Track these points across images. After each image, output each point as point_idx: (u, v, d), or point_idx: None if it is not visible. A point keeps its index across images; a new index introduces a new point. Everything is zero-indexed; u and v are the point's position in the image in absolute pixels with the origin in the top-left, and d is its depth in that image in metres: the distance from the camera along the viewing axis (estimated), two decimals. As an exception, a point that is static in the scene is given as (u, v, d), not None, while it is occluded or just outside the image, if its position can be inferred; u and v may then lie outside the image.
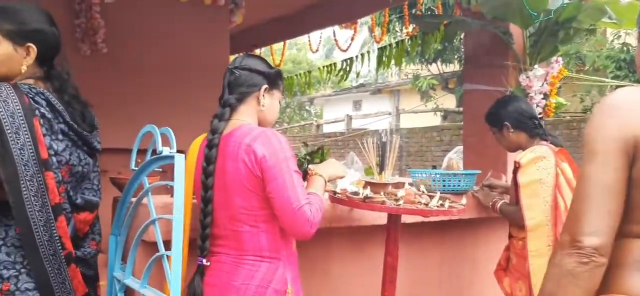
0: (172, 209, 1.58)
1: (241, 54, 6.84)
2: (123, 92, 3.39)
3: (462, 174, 2.70)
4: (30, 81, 1.65)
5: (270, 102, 1.79)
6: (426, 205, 2.00)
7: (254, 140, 1.62)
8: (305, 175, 2.09)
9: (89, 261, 1.72)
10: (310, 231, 1.63)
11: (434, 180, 2.65)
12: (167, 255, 1.63)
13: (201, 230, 1.69)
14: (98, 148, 1.78)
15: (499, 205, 2.60)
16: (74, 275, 1.63)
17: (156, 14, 3.59)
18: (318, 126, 17.66)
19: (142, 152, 1.84)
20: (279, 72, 1.85)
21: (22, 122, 1.52)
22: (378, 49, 4.89)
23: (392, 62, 4.89)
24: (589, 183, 1.15)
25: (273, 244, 1.65)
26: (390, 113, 14.60)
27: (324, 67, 5.94)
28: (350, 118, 15.16)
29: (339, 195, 2.08)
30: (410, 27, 4.72)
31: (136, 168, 1.84)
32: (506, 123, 2.56)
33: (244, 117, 1.74)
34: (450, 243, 3.08)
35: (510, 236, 2.63)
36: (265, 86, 1.76)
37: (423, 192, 2.16)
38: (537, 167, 2.35)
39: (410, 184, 2.26)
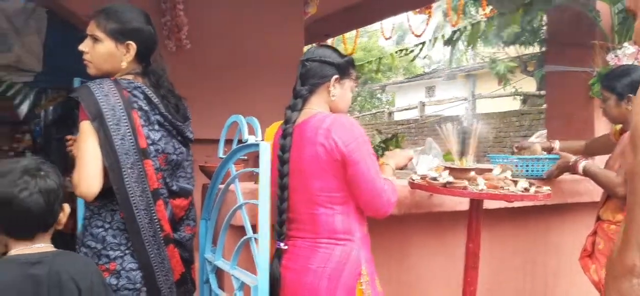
0: (256, 195, 1.66)
1: (314, 44, 6.94)
2: (205, 86, 3.54)
3: (546, 158, 2.59)
4: (130, 76, 1.78)
5: (341, 91, 1.84)
6: (510, 190, 1.95)
7: (332, 125, 1.68)
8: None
9: (185, 244, 1.84)
10: (388, 210, 1.72)
11: (516, 166, 2.57)
12: (254, 238, 1.71)
13: (278, 215, 1.76)
14: (191, 138, 1.89)
15: (582, 165, 2.36)
16: (172, 255, 1.75)
17: (234, 8, 3.73)
18: (390, 114, 17.50)
19: (225, 141, 1.94)
20: (350, 61, 1.89)
21: (123, 114, 1.65)
22: (452, 31, 4.76)
23: (466, 44, 4.76)
24: None
25: (347, 226, 1.70)
26: (465, 99, 14.19)
27: (395, 52, 5.88)
28: (423, 105, 14.89)
29: (419, 181, 2.09)
30: (488, 8, 4.57)
31: (223, 156, 1.94)
32: (630, 95, 2.32)
33: (316, 107, 1.79)
34: (534, 230, 2.99)
35: (599, 219, 2.48)
36: (336, 76, 1.81)
37: (507, 177, 2.11)
38: None
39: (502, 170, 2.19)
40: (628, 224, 0.95)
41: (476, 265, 2.16)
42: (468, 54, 17.57)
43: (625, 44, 2.80)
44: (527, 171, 2.53)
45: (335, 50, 1.93)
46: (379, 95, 21.79)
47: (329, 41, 6.50)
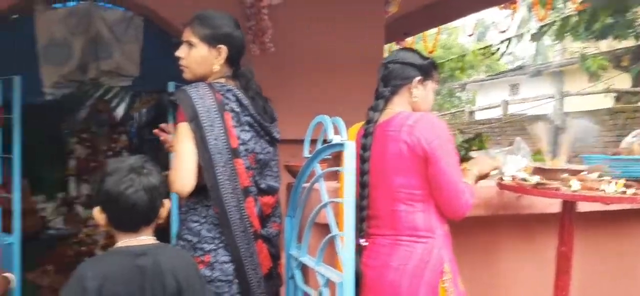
0: (339, 193, 1.69)
1: (393, 42, 6.89)
2: (287, 87, 3.63)
3: None
4: (222, 80, 1.87)
5: (424, 92, 1.85)
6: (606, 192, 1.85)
7: (416, 122, 1.69)
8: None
9: (272, 240, 1.91)
10: (465, 212, 1.71)
11: (612, 166, 2.41)
12: (339, 236, 1.74)
13: (359, 212, 1.78)
14: (278, 138, 1.96)
15: None
16: (261, 250, 1.83)
17: (316, 10, 3.79)
18: (471, 113, 16.97)
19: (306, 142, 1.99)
20: (432, 63, 1.90)
21: (216, 115, 1.75)
22: (539, 26, 4.56)
23: (553, 39, 4.52)
24: None
25: (428, 224, 1.70)
26: (552, 97, 13.48)
27: (478, 50, 5.71)
28: (506, 103, 14.30)
29: (508, 182, 2.03)
30: (579, 1, 4.32)
31: (309, 156, 1.98)
32: None
33: (398, 107, 1.82)
34: (631, 234, 2.80)
35: None
36: (419, 78, 1.83)
37: (603, 178, 2.00)
38: None
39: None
40: None
41: (568, 270, 2.07)
42: (555, 49, 16.67)
43: None
44: (624, 173, 2.37)
45: (417, 52, 1.95)
46: (458, 94, 21.23)
47: (408, 40, 6.43)
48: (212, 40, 1.84)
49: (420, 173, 1.69)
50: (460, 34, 19.37)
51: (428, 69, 1.87)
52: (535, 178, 1.92)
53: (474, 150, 3.35)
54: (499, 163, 2.09)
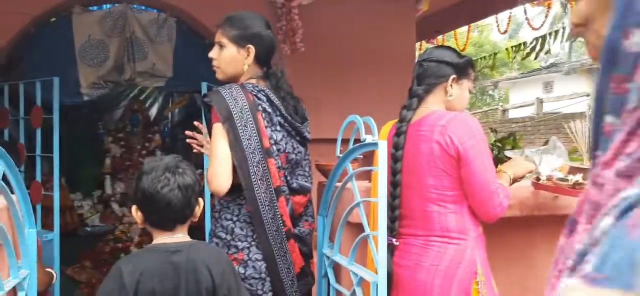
0: (371, 193, 1.68)
1: (424, 41, 6.82)
2: (318, 87, 3.64)
3: None
4: (253, 80, 1.89)
5: (459, 91, 1.82)
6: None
7: (449, 122, 1.66)
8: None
9: (305, 239, 1.92)
10: (498, 214, 1.67)
11: None
12: (372, 235, 1.74)
13: (390, 212, 1.77)
14: (308, 137, 1.97)
15: None
16: (293, 249, 1.84)
17: (346, 9, 3.78)
18: (504, 111, 16.69)
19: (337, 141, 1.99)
20: (469, 62, 1.87)
21: (249, 116, 1.76)
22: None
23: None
24: None
25: (461, 225, 1.67)
26: (588, 95, 13.14)
27: (512, 47, 5.61)
28: (540, 101, 14.01)
29: (544, 182, 1.99)
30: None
31: (340, 155, 1.99)
32: None
33: (432, 106, 1.79)
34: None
35: None
36: (454, 76, 1.79)
37: None
38: None
39: None
40: None
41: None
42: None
43: None
44: None
45: (453, 50, 1.92)
46: (490, 92, 20.89)
47: (439, 38, 6.36)
48: (240, 40, 1.86)
49: (453, 174, 1.67)
50: (492, 31, 19.06)
51: (464, 67, 1.84)
52: (574, 178, 1.87)
53: (508, 150, 3.30)
54: (534, 166, 2.04)
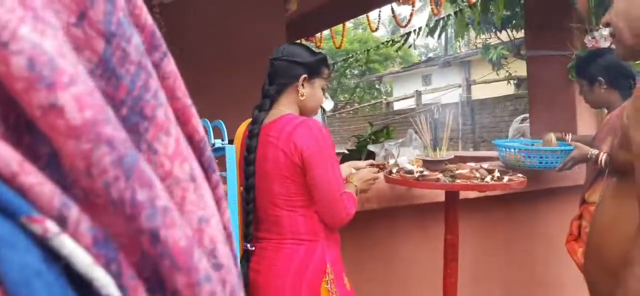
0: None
1: (303, 39, 6.91)
2: (187, 88, 3.53)
3: (561, 150, 2.34)
4: None
5: (311, 91, 1.78)
6: (482, 179, 1.94)
7: (295, 129, 1.65)
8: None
9: None
10: (344, 219, 1.68)
11: (527, 156, 2.35)
12: (226, 243, 1.70)
13: (244, 216, 1.74)
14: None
15: (603, 157, 2.11)
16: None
17: (212, 8, 3.69)
18: (388, 104, 17.47)
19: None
20: (321, 60, 1.83)
21: None
22: (435, 20, 4.76)
23: (450, 32, 4.73)
24: None
25: (311, 227, 1.68)
26: (459, 86, 14.16)
27: (382, 43, 5.87)
28: (419, 93, 14.87)
29: (395, 175, 2.07)
30: (470, -4, 4.55)
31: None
32: (600, 78, 2.32)
33: (284, 107, 1.75)
34: (520, 217, 2.98)
35: (584, 202, 2.46)
36: (304, 76, 1.76)
37: (481, 166, 2.10)
38: None
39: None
40: None
41: (455, 257, 2.15)
42: (461, 41, 17.51)
43: (601, 26, 2.76)
44: (541, 163, 2.34)
45: (306, 48, 1.88)
46: (377, 86, 21.73)
47: (317, 36, 6.48)
48: None
49: (298, 181, 1.66)
50: (379, 29, 19.85)
51: (315, 65, 1.79)
52: (419, 170, 1.97)
53: (381, 142, 3.43)
54: (379, 176, 2.09)
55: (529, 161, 2.33)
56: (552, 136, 2.45)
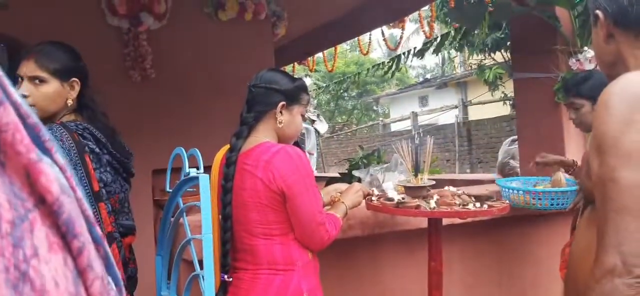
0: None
1: (296, 62, 6.92)
2: (173, 114, 3.50)
3: (570, 192, 2.27)
4: (71, 116, 1.74)
5: (289, 118, 1.76)
6: (463, 206, 1.91)
7: (273, 157, 1.62)
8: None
9: (135, 278, 1.82)
10: (325, 243, 1.68)
11: (538, 199, 2.28)
12: (201, 275, 1.67)
13: (221, 246, 1.70)
14: (133, 173, 1.85)
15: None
16: (125, 297, 1.71)
17: (199, 35, 3.68)
18: (384, 125, 17.49)
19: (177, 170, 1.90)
20: (300, 86, 1.81)
21: (77, 158, 1.61)
22: (423, 43, 4.79)
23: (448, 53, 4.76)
24: (634, 193, 0.95)
25: (287, 255, 1.65)
26: (456, 107, 14.18)
27: (373, 66, 5.89)
28: (415, 115, 14.89)
29: (375, 202, 2.04)
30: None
31: (170, 190, 1.90)
32: (586, 101, 2.27)
33: (262, 135, 1.73)
34: (509, 242, 2.93)
35: (575, 229, 2.44)
36: (283, 103, 1.73)
37: (464, 192, 2.07)
38: None
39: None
40: (603, 230, 0.99)
41: (440, 284, 2.11)
42: (456, 62, 17.62)
43: (586, 48, 2.77)
44: (552, 205, 2.26)
45: (285, 74, 1.86)
46: (374, 107, 21.78)
47: (309, 60, 6.49)
48: (64, 74, 1.71)
49: (277, 209, 1.64)
50: (375, 50, 19.98)
51: (294, 92, 1.77)
52: (398, 198, 1.94)
53: (372, 165, 3.41)
54: (369, 190, 2.08)
55: (539, 203, 2.27)
56: (561, 175, 2.35)
